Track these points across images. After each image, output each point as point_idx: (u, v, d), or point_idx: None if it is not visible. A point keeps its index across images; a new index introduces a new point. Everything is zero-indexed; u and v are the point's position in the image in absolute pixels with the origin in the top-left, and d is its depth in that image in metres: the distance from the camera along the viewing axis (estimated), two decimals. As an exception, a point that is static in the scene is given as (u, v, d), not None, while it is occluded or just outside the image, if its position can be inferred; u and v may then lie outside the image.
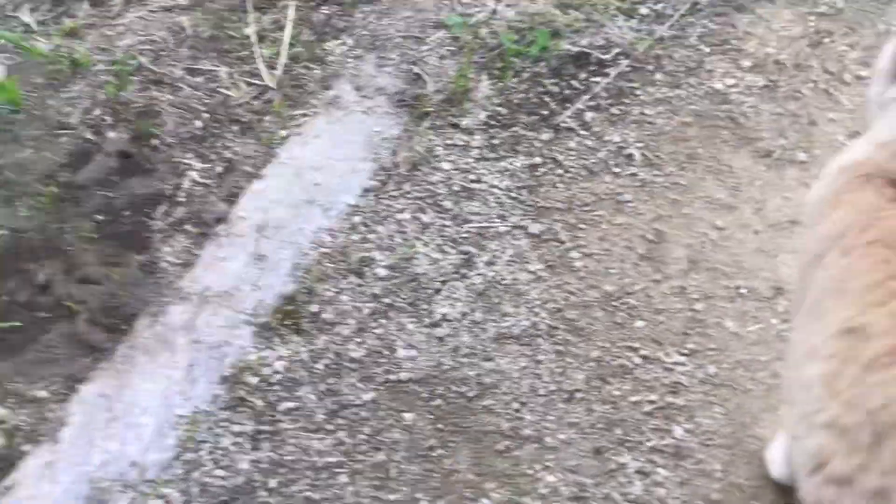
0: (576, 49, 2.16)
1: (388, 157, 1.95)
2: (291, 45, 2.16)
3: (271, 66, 2.12)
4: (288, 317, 1.70)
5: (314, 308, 1.72)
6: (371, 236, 1.83)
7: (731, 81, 2.12)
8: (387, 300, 1.74)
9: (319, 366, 1.64)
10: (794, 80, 2.12)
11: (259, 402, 1.58)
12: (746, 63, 2.16)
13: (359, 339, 1.68)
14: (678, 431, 1.57)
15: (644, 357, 1.67)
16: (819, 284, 0.84)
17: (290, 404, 1.59)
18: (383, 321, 1.71)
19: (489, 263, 1.80)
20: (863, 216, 0.83)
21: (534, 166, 1.96)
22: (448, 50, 2.16)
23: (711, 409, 1.60)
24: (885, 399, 0.70)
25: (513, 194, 1.91)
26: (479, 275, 1.78)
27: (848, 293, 0.79)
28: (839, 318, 0.77)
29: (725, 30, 2.24)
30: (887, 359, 0.69)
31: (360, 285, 1.76)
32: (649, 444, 1.55)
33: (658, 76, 2.14)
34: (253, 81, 2.10)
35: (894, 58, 0.98)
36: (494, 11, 2.18)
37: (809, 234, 0.96)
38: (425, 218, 1.87)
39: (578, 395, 1.62)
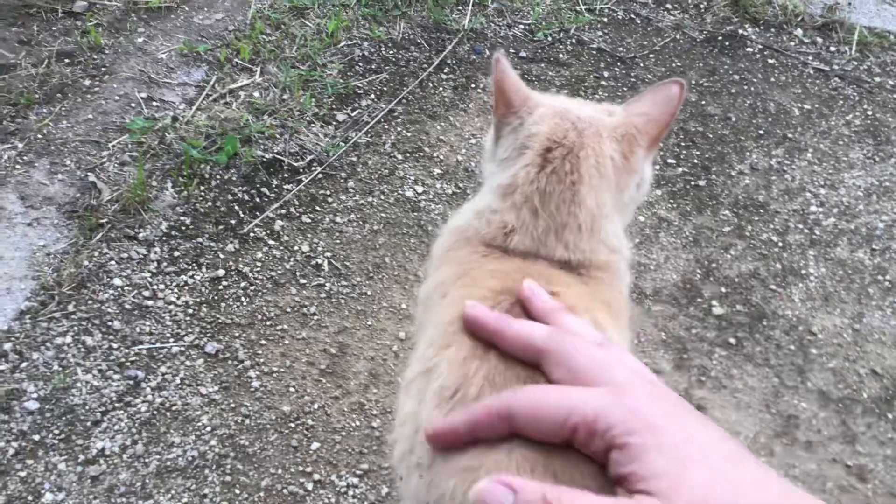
0: (268, 156, 2.13)
1: (51, 275, 1.80)
2: (-50, 148, 1.97)
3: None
4: None
5: (-56, 453, 1.53)
6: (24, 365, 1.67)
7: (420, 189, 2.16)
8: (35, 437, 1.58)
9: (-57, 522, 1.45)
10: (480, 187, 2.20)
11: None
12: (437, 170, 2.22)
13: (-4, 487, 1.51)
14: (345, 561, 1.52)
15: (317, 482, 1.62)
16: (425, 328, 0.89)
17: None
18: (30, 462, 1.55)
19: (158, 388, 1.69)
20: (459, 267, 0.92)
21: (216, 279, 1.89)
22: (130, 156, 2.06)
23: (380, 533, 1.57)
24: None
25: (191, 311, 1.82)
26: (145, 402, 1.67)
27: (437, 332, 0.82)
28: (424, 356, 0.81)
29: (419, 137, 2.30)
30: (445, 393, 0.73)
31: (4, 422, 1.58)
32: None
33: (351, 183, 2.15)
34: None
35: (492, 139, 1.06)
36: (175, 119, 2.09)
37: (426, 282, 1.01)
38: (90, 341, 1.73)
39: (244, 529, 1.54)
